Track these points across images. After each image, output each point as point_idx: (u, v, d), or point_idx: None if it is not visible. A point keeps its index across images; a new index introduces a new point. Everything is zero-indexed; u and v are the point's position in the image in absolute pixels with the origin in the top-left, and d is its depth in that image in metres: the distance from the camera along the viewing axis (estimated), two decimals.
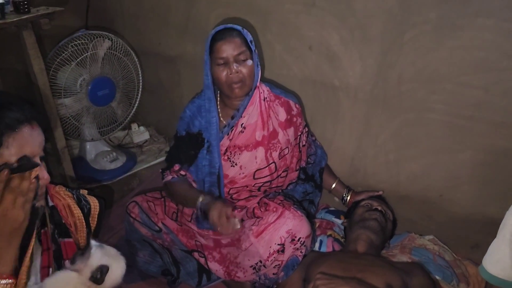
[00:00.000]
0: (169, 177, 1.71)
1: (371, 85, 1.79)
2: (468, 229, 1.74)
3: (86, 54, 2.01)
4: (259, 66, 1.59)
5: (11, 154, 0.97)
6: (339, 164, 1.97)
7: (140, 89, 2.29)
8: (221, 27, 1.55)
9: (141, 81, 2.28)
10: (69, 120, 2.05)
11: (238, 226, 1.67)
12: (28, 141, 1.00)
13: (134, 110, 2.30)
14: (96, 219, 1.26)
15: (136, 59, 2.23)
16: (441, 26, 1.57)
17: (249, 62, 1.55)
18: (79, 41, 2.01)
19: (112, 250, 1.12)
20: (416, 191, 1.82)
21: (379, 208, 1.71)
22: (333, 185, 1.91)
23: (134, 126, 2.62)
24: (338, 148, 1.96)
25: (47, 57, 1.94)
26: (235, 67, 1.53)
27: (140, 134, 2.62)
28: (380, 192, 1.85)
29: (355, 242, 1.60)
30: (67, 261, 1.13)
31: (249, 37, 1.56)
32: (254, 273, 1.56)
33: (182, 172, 1.71)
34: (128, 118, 2.31)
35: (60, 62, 1.96)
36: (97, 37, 2.05)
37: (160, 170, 1.76)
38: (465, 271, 1.66)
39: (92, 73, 2.06)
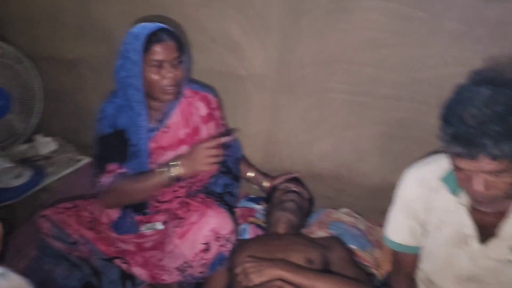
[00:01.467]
0: (108, 180, 1.56)
1: (276, 72, 1.84)
2: (377, 198, 1.86)
3: None
4: (190, 68, 1.56)
5: None
6: (254, 151, 2.01)
7: (40, 98, 2.15)
8: (154, 26, 1.48)
9: (39, 89, 2.14)
10: None
11: (161, 227, 1.65)
12: None
13: (35, 120, 2.16)
14: (0, 245, 1.17)
15: (32, 66, 2.09)
16: (332, 10, 1.66)
17: (183, 65, 1.52)
18: None
19: (17, 279, 1.02)
20: (328, 168, 1.92)
21: (295, 189, 1.77)
22: (251, 174, 1.95)
23: (39, 137, 2.44)
24: (251, 136, 2.00)
25: None
26: (170, 71, 1.48)
27: (46, 145, 2.45)
28: (296, 174, 1.92)
29: (275, 225, 1.65)
30: None
31: (182, 40, 1.52)
32: (179, 274, 1.54)
33: (122, 170, 1.58)
34: (29, 130, 2.16)
35: None
36: None
37: (92, 179, 1.63)
38: (378, 237, 1.79)
39: None
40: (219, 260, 1.54)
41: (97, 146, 1.63)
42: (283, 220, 1.65)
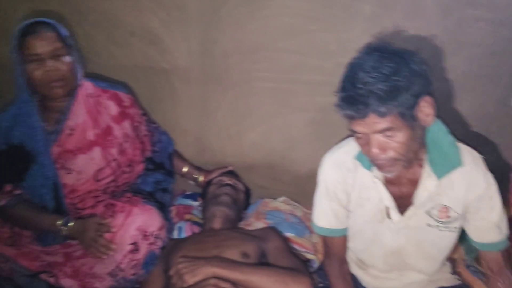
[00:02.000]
0: (2, 202, 1.50)
1: (200, 64, 1.80)
2: (311, 184, 1.86)
3: None
4: (80, 63, 1.48)
5: None
6: (186, 146, 1.95)
7: None
8: (31, 21, 1.40)
9: None
10: None
11: (113, 246, 1.54)
12: None
13: None
14: None
15: None
16: None
17: (67, 58, 1.43)
18: None
19: None
20: (261, 158, 1.91)
21: (229, 182, 1.75)
22: (185, 169, 1.90)
23: None
24: (182, 131, 1.94)
25: None
26: (51, 64, 1.39)
27: None
28: (230, 167, 1.89)
29: (211, 220, 1.62)
30: None
31: (64, 32, 1.43)
32: (112, 279, 1.47)
33: (17, 192, 1.52)
34: None
35: None
36: None
37: None
38: None
39: None
40: (150, 259, 1.49)
41: None
42: (219, 215, 1.62)
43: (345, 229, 1.34)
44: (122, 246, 1.45)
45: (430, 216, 1.21)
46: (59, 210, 1.55)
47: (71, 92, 1.51)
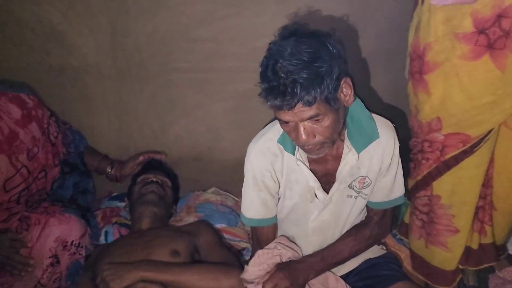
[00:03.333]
0: None
1: (111, 58, 1.70)
2: (240, 172, 1.84)
3: None
4: None
5: None
6: (105, 146, 1.85)
7: None
8: None
9: None
10: None
11: (32, 262, 1.43)
12: None
13: None
14: None
15: None
16: None
17: None
18: None
19: None
20: (187, 151, 1.86)
21: (154, 179, 1.68)
22: (96, 164, 1.79)
23: None
24: (100, 130, 1.84)
25: None
26: None
27: None
28: (147, 156, 1.80)
29: (139, 221, 1.56)
30: None
31: None
32: None
33: None
34: None
35: None
36: None
37: None
38: None
39: None
40: (75, 269, 1.42)
41: None
42: (146, 215, 1.56)
43: (274, 217, 1.34)
44: (41, 260, 1.35)
45: (351, 188, 1.26)
46: None
47: None
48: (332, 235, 1.33)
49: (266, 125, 1.33)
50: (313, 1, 1.57)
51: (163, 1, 1.59)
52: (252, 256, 1.52)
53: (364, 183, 1.25)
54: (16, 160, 1.47)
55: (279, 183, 1.28)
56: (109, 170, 1.78)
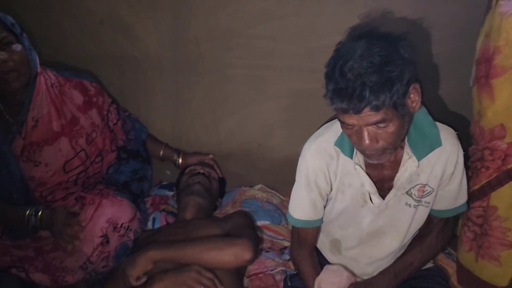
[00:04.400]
0: None
1: (172, 51, 1.76)
2: (289, 171, 1.84)
3: None
4: (33, 50, 1.42)
5: None
6: (160, 136, 1.92)
7: None
8: None
9: None
10: None
11: (81, 235, 1.52)
12: None
13: None
14: None
15: None
16: None
17: (17, 46, 1.37)
18: None
19: None
20: (237, 146, 1.89)
21: (201, 171, 1.72)
22: (161, 152, 1.87)
23: None
24: (156, 120, 1.91)
25: None
26: (1, 55, 1.34)
27: None
28: (211, 156, 1.87)
29: (184, 210, 1.60)
30: None
31: (8, 20, 1.37)
32: (83, 272, 1.45)
33: None
34: None
35: None
36: None
37: None
38: None
39: None
40: (122, 250, 1.48)
41: None
42: (191, 204, 1.60)
43: (320, 219, 1.33)
44: (92, 238, 1.42)
45: (410, 195, 1.22)
46: (30, 205, 1.50)
47: (29, 82, 1.45)
48: (390, 242, 1.29)
49: (322, 125, 1.31)
50: (374, 2, 1.54)
51: None
52: (291, 254, 1.52)
53: (424, 191, 1.21)
54: (76, 143, 1.56)
55: (331, 185, 1.27)
56: (176, 158, 1.85)
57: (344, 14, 1.55)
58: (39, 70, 1.44)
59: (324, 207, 1.32)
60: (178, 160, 1.86)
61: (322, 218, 1.33)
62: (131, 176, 1.78)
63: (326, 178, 1.26)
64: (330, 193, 1.29)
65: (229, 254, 1.31)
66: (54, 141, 1.50)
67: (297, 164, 1.33)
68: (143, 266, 1.29)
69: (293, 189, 1.34)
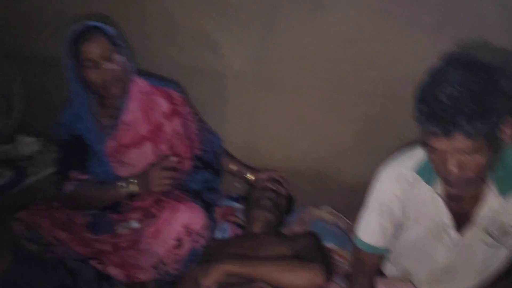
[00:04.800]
0: (70, 187, 1.61)
1: (253, 69, 1.82)
2: (358, 196, 1.81)
3: None
4: (131, 61, 1.55)
5: None
6: (234, 149, 1.98)
7: (20, 97, 2.13)
8: (81, 27, 1.47)
9: (19, 87, 2.11)
10: None
11: (136, 225, 1.64)
12: None
13: (15, 120, 2.14)
14: None
15: (11, 65, 2.07)
16: (308, 6, 1.64)
17: (119, 57, 1.50)
18: None
19: None
20: (308, 166, 1.90)
21: (272, 187, 1.76)
22: (233, 167, 1.93)
23: (21, 137, 2.43)
24: (231, 134, 1.97)
25: None
26: (106, 66, 1.47)
27: (28, 145, 2.43)
28: (281, 173, 1.89)
29: (252, 224, 1.64)
30: None
31: (113, 32, 1.51)
32: (155, 272, 1.52)
33: (83, 177, 1.62)
34: (10, 130, 2.14)
35: None
36: None
37: (54, 186, 1.65)
38: None
39: None
40: (193, 256, 1.53)
41: (58, 152, 1.66)
42: (260, 219, 1.64)
43: (386, 249, 1.31)
44: (167, 240, 1.50)
45: (489, 234, 1.17)
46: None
47: (126, 89, 1.58)
48: (465, 281, 1.25)
49: (399, 151, 1.29)
50: (461, 31, 1.50)
51: (310, 20, 1.65)
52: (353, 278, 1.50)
53: (506, 232, 1.15)
54: (159, 148, 1.66)
55: (405, 214, 1.24)
56: (247, 173, 1.90)
57: (428, 43, 1.53)
58: (133, 78, 1.56)
59: (395, 235, 1.30)
60: (249, 176, 1.91)
61: (388, 247, 1.31)
62: (202, 186, 1.85)
63: (401, 205, 1.23)
64: (402, 222, 1.26)
65: (303, 278, 1.32)
66: (141, 145, 1.61)
67: (367, 190, 1.33)
68: (217, 277, 1.33)
69: (364, 210, 1.33)
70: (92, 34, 1.46)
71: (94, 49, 1.45)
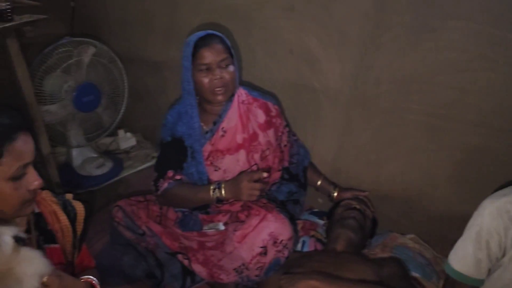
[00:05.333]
0: (165, 185, 1.72)
1: (351, 87, 1.82)
2: (447, 227, 1.76)
3: (71, 61, 2.03)
4: (239, 71, 1.63)
5: (11, 164, 0.97)
6: (321, 165, 2.00)
7: (126, 95, 2.31)
8: (203, 33, 1.58)
9: (126, 87, 2.30)
10: (55, 127, 2.07)
11: (222, 228, 1.70)
12: (26, 149, 1.00)
13: (120, 116, 2.33)
14: (82, 224, 1.28)
15: (121, 66, 2.26)
16: (415, 28, 1.61)
17: (231, 67, 1.59)
18: (63, 48, 2.03)
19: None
20: (396, 191, 1.85)
21: (358, 206, 1.74)
22: (319, 182, 1.94)
23: (121, 132, 2.63)
24: (319, 150, 1.99)
25: (31, 65, 1.96)
26: (218, 73, 1.56)
27: (127, 140, 2.64)
28: (366, 193, 1.87)
29: (335, 241, 1.63)
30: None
31: (228, 42, 1.59)
32: (237, 275, 1.57)
33: (178, 177, 1.73)
34: (114, 124, 2.33)
35: (46, 69, 1.98)
36: (81, 44, 2.07)
37: (152, 183, 1.77)
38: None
39: (77, 79, 2.08)
40: (274, 265, 1.56)
41: (159, 151, 1.77)
42: (343, 237, 1.63)
43: (481, 281, 1.24)
44: (253, 246, 1.54)
45: None
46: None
47: (229, 97, 1.66)
48: None
49: (506, 186, 1.23)
50: None
51: (416, 44, 1.62)
52: None
53: None
54: (252, 157, 1.72)
55: (504, 251, 1.18)
56: (332, 191, 1.90)
57: None
58: (238, 89, 1.64)
59: (490, 270, 1.23)
60: (334, 194, 1.90)
61: (483, 280, 1.24)
62: (287, 197, 1.88)
63: (500, 242, 1.17)
64: (500, 259, 1.20)
65: None
66: (235, 152, 1.68)
67: (459, 222, 1.29)
68: None
69: (460, 239, 1.28)
70: (211, 40, 1.57)
71: (211, 54, 1.56)
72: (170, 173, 1.71)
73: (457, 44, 1.56)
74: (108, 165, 2.35)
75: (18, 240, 0.97)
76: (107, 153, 2.54)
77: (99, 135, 2.30)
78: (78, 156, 2.32)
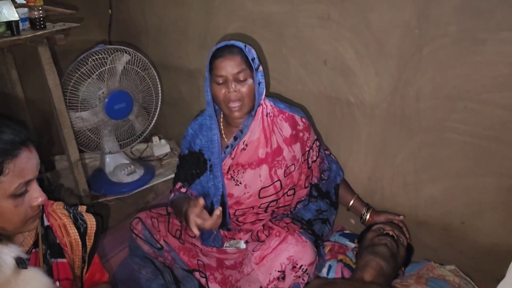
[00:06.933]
0: (171, 196, 1.71)
1: (388, 102, 1.69)
2: (493, 261, 1.59)
3: (104, 68, 2.04)
4: (263, 84, 1.54)
5: (12, 182, 0.94)
6: (354, 184, 1.87)
7: (159, 103, 2.30)
8: (222, 44, 1.51)
9: (160, 94, 2.29)
10: (86, 133, 2.09)
11: (243, 246, 1.62)
12: (28, 165, 0.97)
13: (152, 123, 2.32)
14: (92, 238, 1.24)
15: (155, 73, 2.25)
16: (461, 40, 1.45)
17: (249, 81, 1.51)
18: (98, 56, 2.04)
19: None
20: (436, 217, 1.69)
21: (391, 233, 1.59)
22: (351, 202, 1.80)
23: (155, 139, 2.63)
24: (353, 167, 1.86)
25: (66, 71, 1.98)
26: (233, 86, 1.49)
27: (161, 147, 2.63)
28: (401, 217, 1.72)
29: (363, 269, 1.50)
30: (57, 282, 1.12)
31: (251, 54, 1.51)
32: None
33: (182, 190, 1.70)
34: (147, 131, 2.33)
35: (80, 76, 2.00)
36: (115, 52, 2.07)
37: (170, 190, 1.77)
38: None
39: (110, 87, 2.09)
40: None
41: (178, 162, 1.75)
42: (372, 266, 1.49)
43: None
44: (270, 270, 1.44)
45: None
46: (223, 220, 1.62)
47: (249, 112, 1.58)
48: None
49: None
50: None
51: (463, 57, 1.46)
52: None
53: None
54: (274, 173, 1.62)
55: None
56: (364, 212, 1.77)
57: None
58: (261, 102, 1.55)
59: None
60: (366, 215, 1.76)
61: None
62: (315, 215, 1.77)
63: None
64: None
65: None
66: (257, 166, 1.59)
67: (506, 257, 1.17)
68: None
69: (503, 280, 1.12)
70: (228, 51, 1.49)
71: (226, 66, 1.48)
72: (177, 185, 1.70)
73: (508, 58, 1.38)
74: (139, 173, 2.34)
75: (19, 262, 0.94)
76: (141, 160, 2.54)
77: (131, 142, 2.30)
78: (110, 162, 2.34)
